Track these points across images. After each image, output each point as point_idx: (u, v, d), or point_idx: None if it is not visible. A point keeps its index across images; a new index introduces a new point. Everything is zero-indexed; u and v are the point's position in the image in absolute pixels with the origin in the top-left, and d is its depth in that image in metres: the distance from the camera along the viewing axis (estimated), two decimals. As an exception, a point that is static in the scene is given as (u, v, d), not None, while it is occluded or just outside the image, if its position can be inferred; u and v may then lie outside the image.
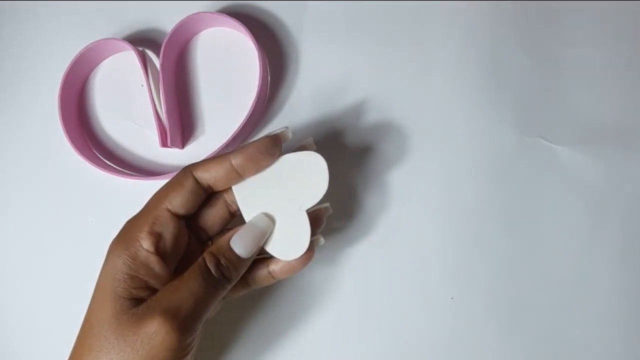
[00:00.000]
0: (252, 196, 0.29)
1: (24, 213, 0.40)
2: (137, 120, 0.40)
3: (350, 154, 0.38)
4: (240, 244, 0.28)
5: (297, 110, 0.39)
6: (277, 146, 0.28)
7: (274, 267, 0.30)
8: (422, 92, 0.38)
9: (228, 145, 0.37)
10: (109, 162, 0.40)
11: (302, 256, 0.29)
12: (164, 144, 0.37)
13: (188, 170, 0.28)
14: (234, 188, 0.29)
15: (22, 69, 0.42)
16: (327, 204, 0.32)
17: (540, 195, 0.37)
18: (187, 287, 0.26)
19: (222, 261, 0.27)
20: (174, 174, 0.36)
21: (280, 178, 0.29)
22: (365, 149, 0.38)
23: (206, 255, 0.28)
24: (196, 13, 0.38)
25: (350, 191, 0.37)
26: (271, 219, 0.29)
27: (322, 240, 0.31)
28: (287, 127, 0.29)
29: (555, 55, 0.38)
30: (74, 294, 0.38)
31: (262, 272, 0.30)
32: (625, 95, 0.37)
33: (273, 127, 0.39)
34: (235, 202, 0.30)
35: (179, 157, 0.39)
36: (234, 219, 0.32)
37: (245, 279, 0.31)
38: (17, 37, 0.43)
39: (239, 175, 0.28)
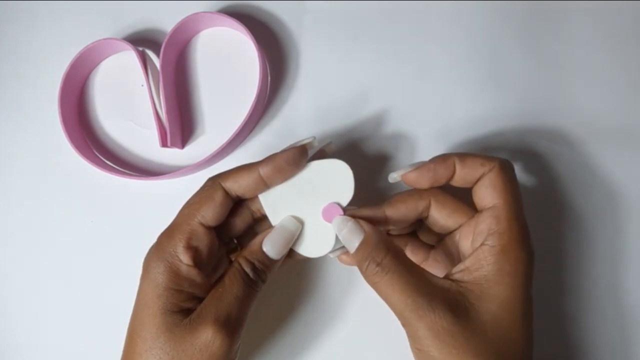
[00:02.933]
0: (278, 203, 0.31)
1: (24, 213, 0.40)
2: (137, 120, 0.40)
3: (350, 154, 0.38)
4: (271, 247, 0.30)
5: (296, 110, 0.39)
6: (304, 157, 0.30)
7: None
8: (422, 92, 0.38)
9: (228, 145, 0.37)
10: (109, 162, 0.40)
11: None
12: (164, 144, 0.37)
13: (217, 182, 0.29)
14: (260, 196, 0.31)
15: (22, 70, 0.42)
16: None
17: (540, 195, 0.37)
18: (232, 292, 0.28)
19: (257, 265, 0.29)
20: (174, 174, 0.37)
21: (306, 185, 0.30)
22: (365, 148, 0.38)
23: (241, 260, 0.29)
24: (196, 13, 0.38)
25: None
26: (299, 221, 0.30)
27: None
28: (314, 137, 0.30)
29: (556, 56, 0.38)
30: (74, 294, 0.38)
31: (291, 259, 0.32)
32: (626, 95, 0.37)
33: (273, 127, 0.39)
34: (260, 210, 0.31)
35: (179, 157, 0.39)
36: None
37: None
38: (17, 37, 0.43)
39: (266, 185, 0.30)
